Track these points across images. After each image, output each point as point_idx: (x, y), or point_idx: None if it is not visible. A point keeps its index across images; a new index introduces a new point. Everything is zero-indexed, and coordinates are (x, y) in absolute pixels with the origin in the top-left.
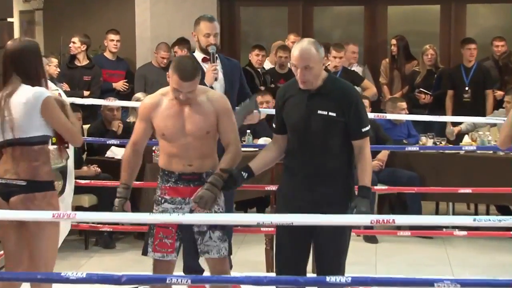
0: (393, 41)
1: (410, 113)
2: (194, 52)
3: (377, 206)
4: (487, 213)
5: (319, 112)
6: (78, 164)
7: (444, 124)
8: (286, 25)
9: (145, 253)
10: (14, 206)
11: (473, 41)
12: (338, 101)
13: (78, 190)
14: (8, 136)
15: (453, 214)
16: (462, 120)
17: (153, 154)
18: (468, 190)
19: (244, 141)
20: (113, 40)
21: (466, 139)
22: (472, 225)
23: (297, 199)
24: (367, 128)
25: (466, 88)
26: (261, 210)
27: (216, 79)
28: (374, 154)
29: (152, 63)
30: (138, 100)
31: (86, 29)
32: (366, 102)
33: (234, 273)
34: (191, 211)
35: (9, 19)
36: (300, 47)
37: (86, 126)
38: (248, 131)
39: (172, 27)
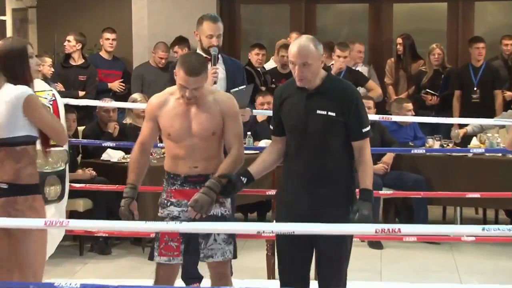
0: (399, 40)
1: (416, 114)
2: (195, 51)
3: (382, 211)
4: (496, 218)
5: (318, 112)
6: (72, 167)
7: (451, 126)
8: (288, 23)
9: (151, 258)
10: None
11: (482, 39)
12: (338, 100)
13: (73, 194)
14: None
15: (461, 219)
16: (470, 121)
17: (150, 156)
18: (476, 195)
19: (245, 143)
20: (108, 39)
21: (474, 141)
22: (481, 235)
23: (296, 203)
24: (368, 128)
25: (475, 89)
26: (262, 215)
27: (215, 83)
28: (379, 157)
29: (149, 63)
30: (135, 101)
31: (81, 27)
32: (370, 103)
33: (234, 280)
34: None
35: (1, 17)
36: (298, 43)
37: (81, 128)
38: (249, 133)
39: (170, 25)
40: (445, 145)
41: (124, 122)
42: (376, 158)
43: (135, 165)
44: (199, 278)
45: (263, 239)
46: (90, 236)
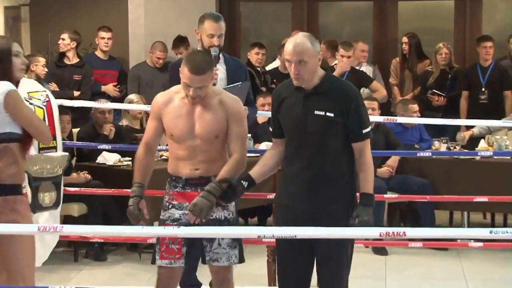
0: (404, 39)
1: (422, 116)
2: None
3: (387, 216)
4: (505, 223)
5: (316, 112)
6: (67, 171)
7: (458, 127)
8: (289, 21)
9: (153, 261)
10: None
11: (490, 38)
12: (336, 100)
13: (67, 198)
14: None
15: (468, 224)
16: (478, 123)
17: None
18: (484, 199)
19: None
20: (104, 38)
21: (482, 143)
22: (489, 238)
23: (295, 207)
24: (368, 129)
25: (483, 89)
26: (262, 219)
27: (214, 84)
28: (384, 160)
29: (146, 63)
30: (131, 102)
31: (76, 26)
32: (375, 104)
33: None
34: (188, 225)
35: None
36: (294, 40)
37: (75, 130)
38: (249, 135)
39: (168, 24)
40: (452, 148)
41: (120, 124)
42: (381, 161)
43: (140, 165)
44: (198, 286)
45: (263, 245)
46: (85, 242)
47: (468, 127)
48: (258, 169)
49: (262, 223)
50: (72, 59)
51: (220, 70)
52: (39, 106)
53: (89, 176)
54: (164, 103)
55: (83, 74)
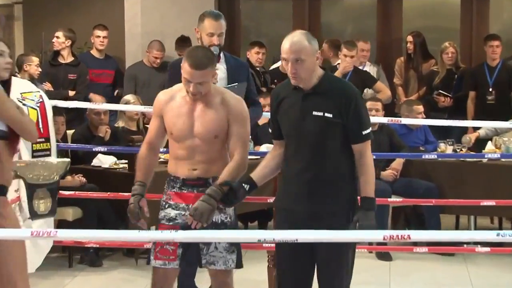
0: (409, 38)
1: (428, 117)
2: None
3: (391, 220)
4: None
5: (314, 113)
6: None
7: (465, 129)
8: (290, 20)
9: (148, 261)
10: None
11: (497, 37)
12: (335, 100)
13: (61, 202)
14: None
15: (475, 228)
16: (485, 124)
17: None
18: (491, 203)
19: None
20: (99, 37)
21: (489, 146)
22: (496, 241)
23: (295, 209)
24: (368, 130)
25: (490, 89)
26: (263, 224)
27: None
28: (388, 162)
29: (143, 62)
30: (127, 102)
31: (71, 24)
32: (379, 105)
33: None
34: (186, 227)
35: None
36: (291, 38)
37: (70, 132)
38: (249, 137)
39: (165, 23)
40: (458, 150)
41: (116, 125)
42: (385, 163)
43: (142, 164)
44: None
45: (264, 250)
46: (80, 247)
47: (476, 129)
48: (259, 172)
49: (262, 227)
50: (66, 57)
51: (221, 69)
52: (32, 107)
53: (84, 179)
54: (166, 101)
55: (78, 73)
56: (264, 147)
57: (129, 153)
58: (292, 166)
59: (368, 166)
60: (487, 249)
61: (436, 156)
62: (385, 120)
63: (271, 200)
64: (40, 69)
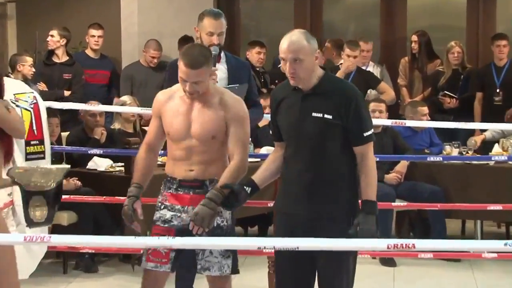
0: (414, 37)
1: (433, 119)
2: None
3: (395, 225)
4: None
5: (314, 114)
6: None
7: (471, 131)
8: (291, 19)
9: (140, 263)
10: None
11: (505, 36)
12: (335, 101)
13: None
14: None
15: (482, 233)
16: (492, 126)
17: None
18: (498, 207)
19: None
20: (94, 36)
21: (496, 148)
22: (503, 251)
23: (294, 212)
24: (370, 132)
25: (497, 90)
26: (263, 229)
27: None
28: (392, 165)
29: (140, 62)
30: (124, 104)
31: (65, 23)
32: (382, 107)
33: None
34: (182, 230)
35: None
36: (289, 38)
37: (65, 134)
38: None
39: (162, 22)
40: (464, 153)
41: (112, 127)
42: (389, 166)
43: (140, 165)
44: None
45: (264, 256)
46: (75, 252)
47: (482, 131)
48: (260, 174)
49: (262, 232)
50: (61, 57)
51: (221, 69)
52: (26, 109)
53: (79, 182)
54: (165, 101)
55: (73, 73)
56: (264, 150)
57: (125, 155)
58: (291, 168)
59: (370, 168)
60: (494, 255)
61: (441, 159)
62: (389, 122)
63: (271, 204)
64: (33, 70)
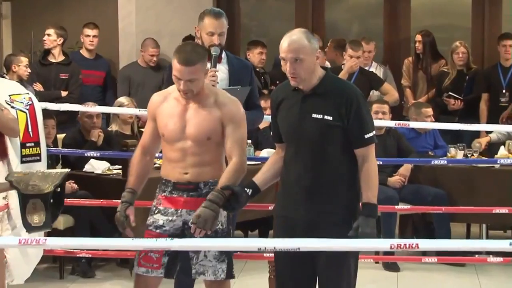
0: (418, 37)
1: (437, 120)
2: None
3: (398, 229)
4: None
5: (314, 115)
6: None
7: (476, 133)
8: (293, 19)
9: (132, 267)
10: None
11: (511, 36)
12: (336, 102)
13: None
14: None
15: (487, 237)
16: (498, 128)
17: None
18: (504, 210)
19: None
20: (89, 36)
21: (502, 150)
22: (509, 251)
23: (293, 216)
24: (371, 134)
25: (504, 91)
26: (264, 232)
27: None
28: (395, 168)
29: (137, 63)
30: (121, 105)
31: (62, 22)
32: (386, 108)
33: None
34: (175, 236)
35: None
36: (290, 37)
37: (61, 136)
38: (249, 141)
39: (161, 22)
40: (469, 155)
41: (109, 129)
42: (392, 169)
43: (135, 169)
44: None
45: (265, 260)
46: (71, 257)
47: (488, 133)
48: (261, 176)
49: (263, 236)
50: (57, 56)
51: (222, 70)
52: (21, 110)
53: (76, 185)
54: (159, 103)
55: (70, 73)
56: (264, 152)
57: (123, 158)
58: (291, 170)
59: (371, 171)
60: (500, 259)
61: (446, 162)
62: (392, 123)
63: (272, 207)
64: (29, 70)
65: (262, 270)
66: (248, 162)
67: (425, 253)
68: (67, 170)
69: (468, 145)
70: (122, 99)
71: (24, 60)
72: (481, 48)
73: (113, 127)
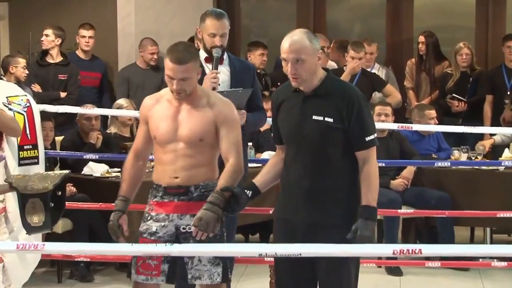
0: (421, 38)
1: (441, 122)
2: (199, 50)
3: (401, 233)
4: None
5: (314, 117)
6: None
7: (480, 135)
8: (294, 19)
9: (129, 275)
10: None
11: None
12: (336, 104)
13: None
14: None
15: (491, 242)
16: (502, 131)
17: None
18: (508, 214)
19: None
20: (84, 37)
21: (507, 153)
22: None
23: (293, 219)
24: (372, 136)
25: (508, 93)
26: (265, 236)
27: (214, 89)
28: (398, 170)
29: (136, 64)
30: (120, 107)
31: (60, 23)
32: (388, 110)
33: None
34: (177, 241)
35: None
36: (291, 37)
37: (59, 138)
38: (250, 143)
39: (161, 22)
40: (473, 158)
41: (108, 131)
42: (395, 172)
43: (127, 175)
44: None
45: (266, 265)
46: (70, 261)
47: (492, 135)
48: (261, 178)
49: (264, 240)
50: (56, 57)
51: (223, 71)
52: (19, 112)
53: (74, 189)
54: (151, 105)
55: (68, 74)
56: (265, 154)
57: (122, 160)
58: (291, 172)
59: (371, 174)
60: (504, 263)
61: (449, 164)
62: (395, 126)
63: (272, 211)
64: (27, 72)
65: (263, 274)
66: (249, 165)
67: (428, 258)
68: (67, 171)
69: (472, 147)
70: (121, 101)
71: (22, 62)
72: (485, 49)
73: (112, 129)
